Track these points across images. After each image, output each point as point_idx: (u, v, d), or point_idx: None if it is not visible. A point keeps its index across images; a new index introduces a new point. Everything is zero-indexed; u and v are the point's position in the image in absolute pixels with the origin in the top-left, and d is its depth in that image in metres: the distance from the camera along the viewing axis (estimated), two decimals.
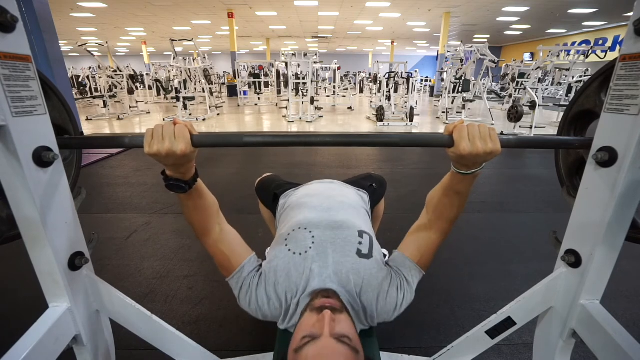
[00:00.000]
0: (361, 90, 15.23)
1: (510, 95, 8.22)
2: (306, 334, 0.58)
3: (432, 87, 14.40)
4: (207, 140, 0.61)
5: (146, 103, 10.72)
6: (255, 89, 10.52)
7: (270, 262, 0.79)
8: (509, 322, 0.82)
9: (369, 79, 13.65)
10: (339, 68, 11.16)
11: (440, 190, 0.75)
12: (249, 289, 0.76)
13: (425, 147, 0.63)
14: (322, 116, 7.72)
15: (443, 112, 7.43)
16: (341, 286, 0.74)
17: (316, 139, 0.64)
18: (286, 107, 7.58)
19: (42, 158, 0.59)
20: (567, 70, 8.29)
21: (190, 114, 7.27)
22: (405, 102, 7.40)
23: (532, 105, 5.26)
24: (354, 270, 0.75)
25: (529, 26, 14.38)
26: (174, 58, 7.72)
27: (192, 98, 7.38)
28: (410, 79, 7.35)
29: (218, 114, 8.01)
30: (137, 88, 10.85)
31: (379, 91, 7.42)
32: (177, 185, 0.65)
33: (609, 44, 13.34)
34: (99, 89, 8.32)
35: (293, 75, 7.38)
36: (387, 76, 7.50)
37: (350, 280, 0.75)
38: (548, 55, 8.11)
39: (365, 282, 0.75)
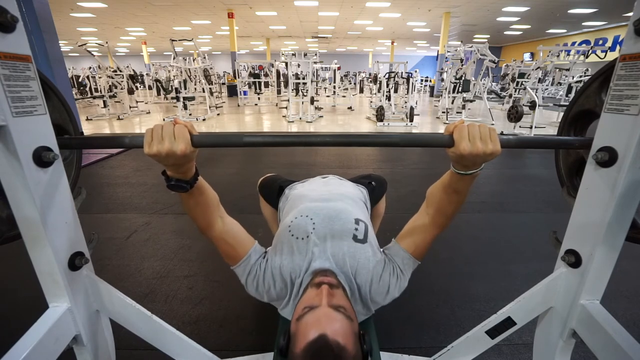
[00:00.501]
0: (361, 90, 15.23)
1: (510, 95, 8.22)
2: (306, 305, 0.64)
3: (432, 87, 14.40)
4: (207, 140, 0.61)
5: (146, 103, 10.72)
6: (255, 89, 10.52)
7: (275, 247, 0.86)
8: (509, 322, 0.82)
9: (369, 79, 13.65)
10: (339, 68, 11.16)
11: (440, 186, 0.76)
12: (256, 275, 0.81)
13: (425, 147, 0.64)
14: (322, 116, 7.72)
15: (443, 112, 7.43)
16: (338, 267, 0.80)
17: (316, 139, 0.64)
18: (286, 107, 7.58)
19: (42, 158, 0.59)
20: (567, 70, 8.29)
21: (190, 114, 7.27)
22: (405, 102, 7.40)
23: (532, 105, 5.26)
24: (349, 253, 0.81)
25: (529, 26, 14.38)
26: (174, 58, 7.72)
27: (192, 98, 7.38)
28: (410, 79, 7.35)
29: (218, 114, 8.01)
30: (137, 88, 10.85)
31: (379, 91, 7.42)
32: (179, 185, 0.66)
33: (609, 44, 13.34)
34: (99, 89, 8.34)
35: (293, 75, 7.38)
36: (387, 76, 7.50)
37: (346, 263, 0.80)
38: (548, 55, 8.11)
39: (360, 264, 0.80)
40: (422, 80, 16.37)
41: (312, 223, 0.86)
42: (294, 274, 0.80)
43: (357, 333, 0.61)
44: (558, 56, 7.66)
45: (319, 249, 0.81)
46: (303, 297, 0.70)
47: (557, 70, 8.65)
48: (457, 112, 7.37)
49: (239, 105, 9.97)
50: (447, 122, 6.88)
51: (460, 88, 6.91)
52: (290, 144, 0.65)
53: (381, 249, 0.87)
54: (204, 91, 8.12)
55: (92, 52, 7.20)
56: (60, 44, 4.37)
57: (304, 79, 7.48)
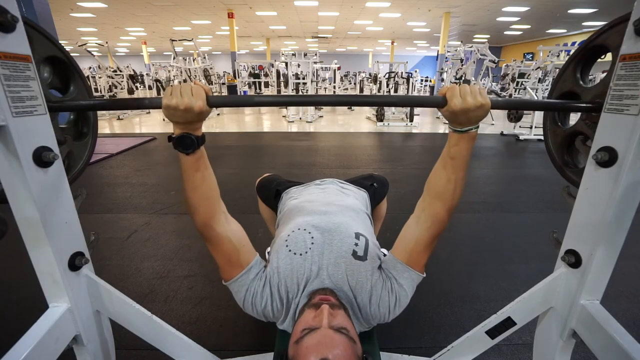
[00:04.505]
0: (361, 90, 15.20)
1: (510, 95, 8.21)
2: (305, 327, 0.61)
3: (432, 87, 14.39)
4: (222, 101, 0.67)
5: None
6: (255, 89, 10.52)
7: (272, 263, 0.80)
8: (509, 322, 0.82)
9: (369, 79, 13.64)
10: (339, 68, 11.16)
11: (438, 163, 0.73)
12: (255, 292, 0.76)
13: (421, 107, 0.72)
14: (322, 116, 7.73)
15: None
16: (337, 286, 0.76)
17: (321, 99, 0.70)
18: (286, 107, 7.58)
19: (42, 158, 0.59)
20: None
21: None
22: None
23: None
24: (349, 271, 0.77)
25: (529, 26, 14.37)
26: (174, 58, 7.72)
27: None
28: (410, 79, 7.36)
29: (218, 114, 8.01)
30: (137, 88, 10.84)
31: (379, 91, 7.43)
32: (188, 137, 0.64)
33: None
34: (99, 89, 8.33)
35: (293, 75, 7.38)
36: (387, 76, 7.50)
37: (346, 281, 0.77)
38: (548, 55, 8.11)
39: (359, 283, 0.76)
40: (422, 80, 16.35)
41: (311, 237, 0.82)
42: (291, 293, 0.76)
43: (360, 356, 0.59)
44: (558, 56, 7.64)
45: (318, 267, 0.77)
46: (301, 318, 0.66)
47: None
48: None
49: None
50: (447, 122, 6.87)
51: None
52: (296, 103, 0.72)
53: (380, 264, 0.82)
54: None
55: (92, 52, 7.20)
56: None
57: (304, 79, 7.48)
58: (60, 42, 0.72)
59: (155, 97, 0.65)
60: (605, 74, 0.71)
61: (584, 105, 0.68)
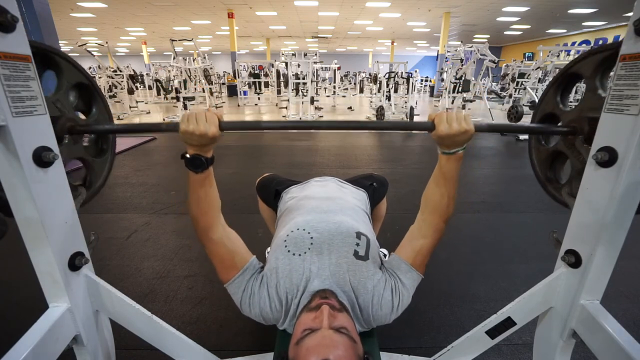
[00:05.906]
0: (361, 90, 15.21)
1: (510, 95, 8.22)
2: (306, 328, 0.61)
3: (432, 87, 14.40)
4: (232, 126, 0.74)
5: (146, 103, 10.71)
6: (255, 89, 10.52)
7: (271, 263, 0.80)
8: (509, 322, 0.82)
9: (369, 79, 13.64)
10: (339, 68, 11.16)
11: (431, 181, 0.80)
12: (252, 293, 0.77)
13: (411, 131, 0.75)
14: (322, 116, 7.72)
15: None
16: (339, 287, 0.76)
17: (321, 125, 0.77)
18: (286, 107, 7.58)
19: (42, 158, 0.59)
20: None
21: None
22: (405, 102, 7.40)
23: (532, 105, 5.27)
24: (350, 271, 0.77)
25: (529, 26, 14.38)
26: (174, 58, 7.71)
27: (192, 98, 7.38)
28: (410, 79, 7.36)
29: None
30: (137, 88, 10.83)
31: (379, 91, 7.43)
32: (199, 159, 0.69)
33: None
34: None
35: (293, 75, 7.38)
36: (387, 76, 7.50)
37: (347, 282, 0.76)
38: (548, 55, 8.11)
39: (361, 284, 0.76)
40: (422, 80, 16.36)
41: (310, 237, 0.82)
42: (290, 294, 0.76)
43: (362, 356, 0.59)
44: (558, 56, 7.64)
45: (317, 267, 0.77)
46: (301, 319, 0.66)
47: (557, 70, 8.64)
48: None
49: (239, 106, 9.97)
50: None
51: (460, 88, 6.92)
52: (300, 128, 0.79)
53: (381, 264, 0.83)
54: (204, 91, 8.12)
55: (92, 52, 7.19)
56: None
57: (304, 79, 7.48)
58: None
59: (172, 122, 0.71)
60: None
61: (561, 129, 0.74)
